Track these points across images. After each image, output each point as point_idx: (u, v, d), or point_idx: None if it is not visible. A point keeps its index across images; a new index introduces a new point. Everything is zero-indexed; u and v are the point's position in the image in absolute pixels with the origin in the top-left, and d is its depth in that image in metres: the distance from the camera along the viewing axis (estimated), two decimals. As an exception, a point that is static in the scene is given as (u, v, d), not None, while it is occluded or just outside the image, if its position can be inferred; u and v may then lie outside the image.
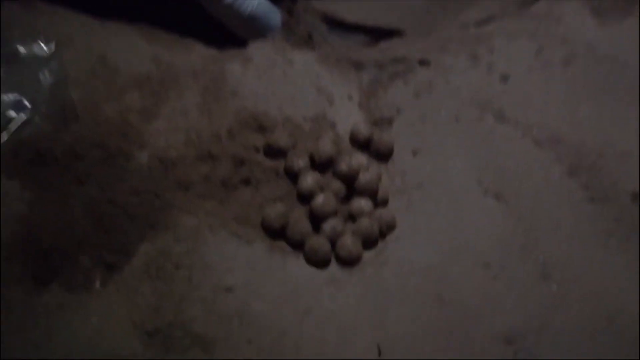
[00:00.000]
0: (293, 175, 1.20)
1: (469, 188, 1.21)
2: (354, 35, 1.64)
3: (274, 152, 1.23)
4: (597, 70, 1.37)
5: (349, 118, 1.33)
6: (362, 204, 1.18)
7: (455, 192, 1.21)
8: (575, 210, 1.16)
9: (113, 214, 1.12)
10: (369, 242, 1.16)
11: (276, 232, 1.15)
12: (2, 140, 1.21)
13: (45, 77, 1.33)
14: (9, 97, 1.26)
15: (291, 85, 1.37)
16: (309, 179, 1.17)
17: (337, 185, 1.19)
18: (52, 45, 1.37)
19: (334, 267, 1.14)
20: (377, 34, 1.63)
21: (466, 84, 1.33)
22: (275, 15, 1.55)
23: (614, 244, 1.13)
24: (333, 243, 1.14)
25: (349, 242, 1.13)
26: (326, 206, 1.15)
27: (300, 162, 1.19)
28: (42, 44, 1.36)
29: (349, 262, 1.13)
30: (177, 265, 1.07)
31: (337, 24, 1.64)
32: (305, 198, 1.18)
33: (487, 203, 1.18)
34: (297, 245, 1.15)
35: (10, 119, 1.24)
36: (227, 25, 1.50)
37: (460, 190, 1.21)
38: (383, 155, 1.28)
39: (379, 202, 1.22)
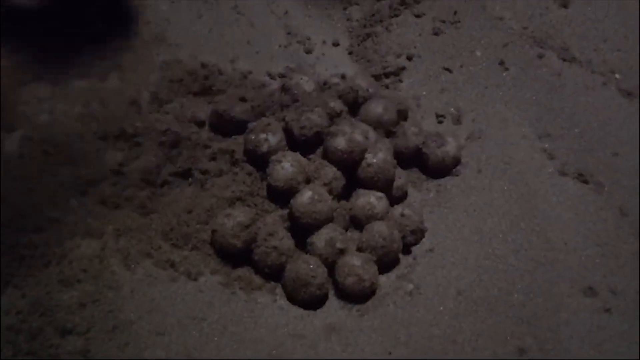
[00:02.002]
0: (260, 160, 0.74)
1: (536, 166, 0.79)
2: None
3: (226, 125, 0.78)
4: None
5: (338, 72, 0.88)
6: (371, 200, 0.74)
7: (515, 174, 0.78)
8: (703, 192, 0.74)
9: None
10: (387, 261, 0.72)
11: (237, 254, 0.70)
12: None
13: None
14: None
15: (247, 26, 0.92)
16: (287, 165, 0.72)
17: (331, 173, 0.73)
18: None
19: (333, 305, 0.69)
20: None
21: (511, 11, 0.90)
22: None
23: None
24: (330, 266, 0.69)
25: (356, 264, 0.68)
26: (316, 207, 0.70)
27: (270, 137, 0.74)
28: None
29: (357, 295, 0.69)
30: (63, 329, 0.60)
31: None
32: (281, 195, 0.73)
33: (569, 188, 0.77)
34: (272, 274, 0.70)
35: None
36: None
37: (521, 170, 0.78)
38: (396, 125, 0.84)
39: (395, 196, 0.78)
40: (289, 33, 0.94)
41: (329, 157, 0.77)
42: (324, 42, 0.95)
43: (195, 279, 0.69)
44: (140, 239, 0.71)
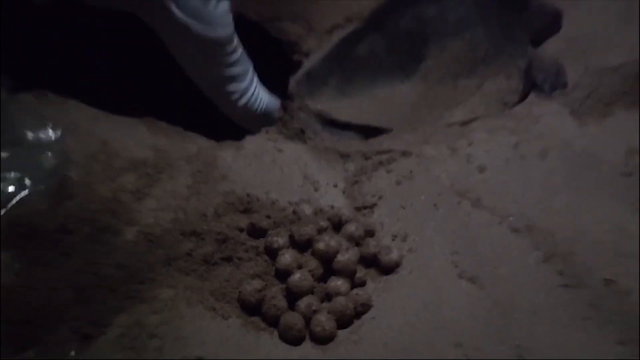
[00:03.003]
0: (272, 253, 1.24)
1: (445, 271, 1.23)
2: (345, 133, 1.74)
3: (256, 231, 1.28)
4: (572, 163, 1.42)
5: (333, 204, 1.38)
6: (338, 283, 1.21)
7: (432, 275, 1.23)
8: (550, 295, 1.17)
9: (95, 286, 1.16)
10: (343, 321, 1.16)
11: (252, 308, 1.17)
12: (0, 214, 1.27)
13: (48, 159, 1.42)
14: (11, 175, 1.35)
15: (279, 172, 1.44)
16: (287, 256, 1.20)
17: (315, 264, 1.21)
18: (59, 132, 1.48)
19: (307, 344, 1.14)
20: (367, 132, 1.72)
21: (445, 173, 1.39)
22: (277, 110, 1.69)
23: (591, 328, 1.11)
24: (307, 320, 1.15)
25: (323, 320, 1.14)
26: (302, 283, 1.17)
27: (279, 240, 1.23)
28: (50, 130, 1.46)
29: (322, 340, 1.13)
30: (150, 335, 1.09)
31: (329, 123, 1.73)
32: (282, 275, 1.21)
33: (462, 286, 1.19)
34: (272, 322, 1.16)
35: (10, 196, 1.31)
36: (238, 122, 1.64)
37: (436, 273, 1.23)
38: (363, 239, 1.32)
39: (357, 284, 1.24)
40: (305, 177, 1.46)
41: (314, 254, 1.25)
42: (327, 184, 1.46)
43: (226, 319, 1.16)
44: (198, 293, 1.19)
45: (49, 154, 1.42)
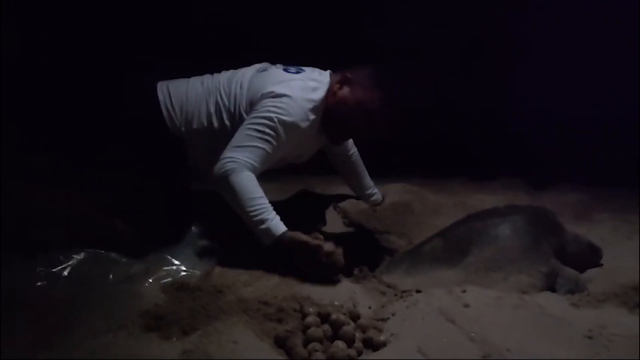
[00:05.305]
0: (304, 318, 1.96)
1: (410, 350, 1.79)
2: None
3: (302, 310, 2.03)
4: (539, 319, 1.94)
5: (360, 312, 2.09)
6: (339, 343, 1.86)
7: (401, 351, 1.81)
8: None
9: (205, 311, 2.00)
10: (333, 362, 1.80)
11: (280, 341, 1.87)
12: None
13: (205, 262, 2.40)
14: (183, 264, 2.35)
15: (335, 292, 2.21)
16: (311, 319, 1.92)
17: (327, 328, 1.91)
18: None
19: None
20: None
21: (439, 304, 2.02)
22: None
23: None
24: (310, 354, 1.81)
25: (320, 355, 1.79)
26: (313, 332, 1.86)
27: (311, 309, 1.97)
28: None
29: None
30: (220, 332, 1.85)
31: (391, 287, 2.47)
32: (305, 330, 1.91)
33: (417, 357, 1.76)
34: (289, 352, 1.84)
35: (180, 272, 2.30)
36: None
37: (405, 351, 1.81)
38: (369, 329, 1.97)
39: (356, 348, 1.87)
40: (350, 298, 2.18)
41: (330, 324, 1.92)
42: (364, 305, 2.16)
43: (262, 341, 1.86)
44: (254, 326, 1.92)
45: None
